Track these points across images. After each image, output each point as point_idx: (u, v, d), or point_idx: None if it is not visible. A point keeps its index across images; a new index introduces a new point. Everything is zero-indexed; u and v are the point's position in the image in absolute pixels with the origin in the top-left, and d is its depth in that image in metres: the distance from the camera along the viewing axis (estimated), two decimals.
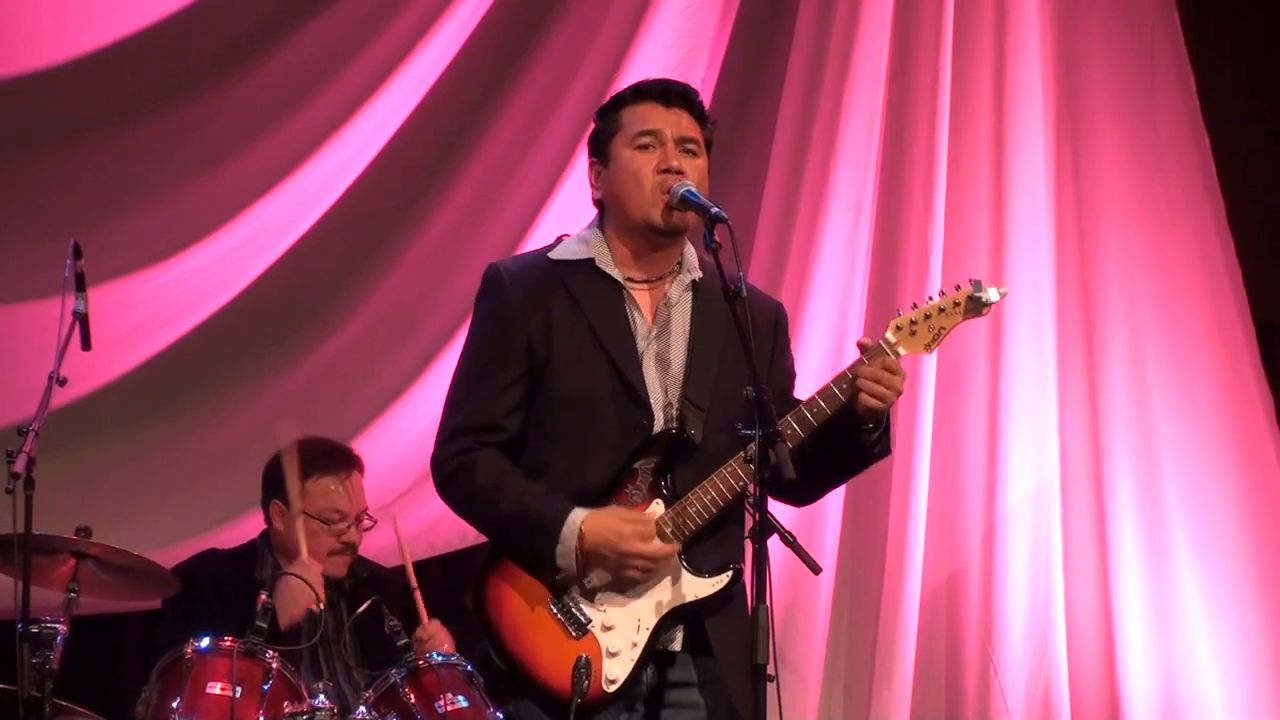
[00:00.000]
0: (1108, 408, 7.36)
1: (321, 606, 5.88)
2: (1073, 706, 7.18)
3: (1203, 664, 7.23)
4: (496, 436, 4.46)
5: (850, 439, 4.46)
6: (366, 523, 6.15)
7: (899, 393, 4.41)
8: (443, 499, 4.56)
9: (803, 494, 4.60)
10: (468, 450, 4.45)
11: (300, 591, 5.81)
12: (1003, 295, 4.57)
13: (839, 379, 4.43)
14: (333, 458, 6.16)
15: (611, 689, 4.36)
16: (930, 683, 7.20)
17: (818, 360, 7.06)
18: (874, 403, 4.38)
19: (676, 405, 4.43)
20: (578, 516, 4.35)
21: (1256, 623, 7.26)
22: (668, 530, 4.38)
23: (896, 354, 4.45)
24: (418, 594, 5.94)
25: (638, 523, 4.36)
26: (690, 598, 4.39)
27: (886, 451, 4.56)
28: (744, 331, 4.23)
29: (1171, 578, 7.28)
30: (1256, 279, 7.52)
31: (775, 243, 7.25)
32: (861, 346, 4.46)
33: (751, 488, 4.33)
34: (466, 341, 4.58)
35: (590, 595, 4.40)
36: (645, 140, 4.45)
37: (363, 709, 5.43)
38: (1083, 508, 7.32)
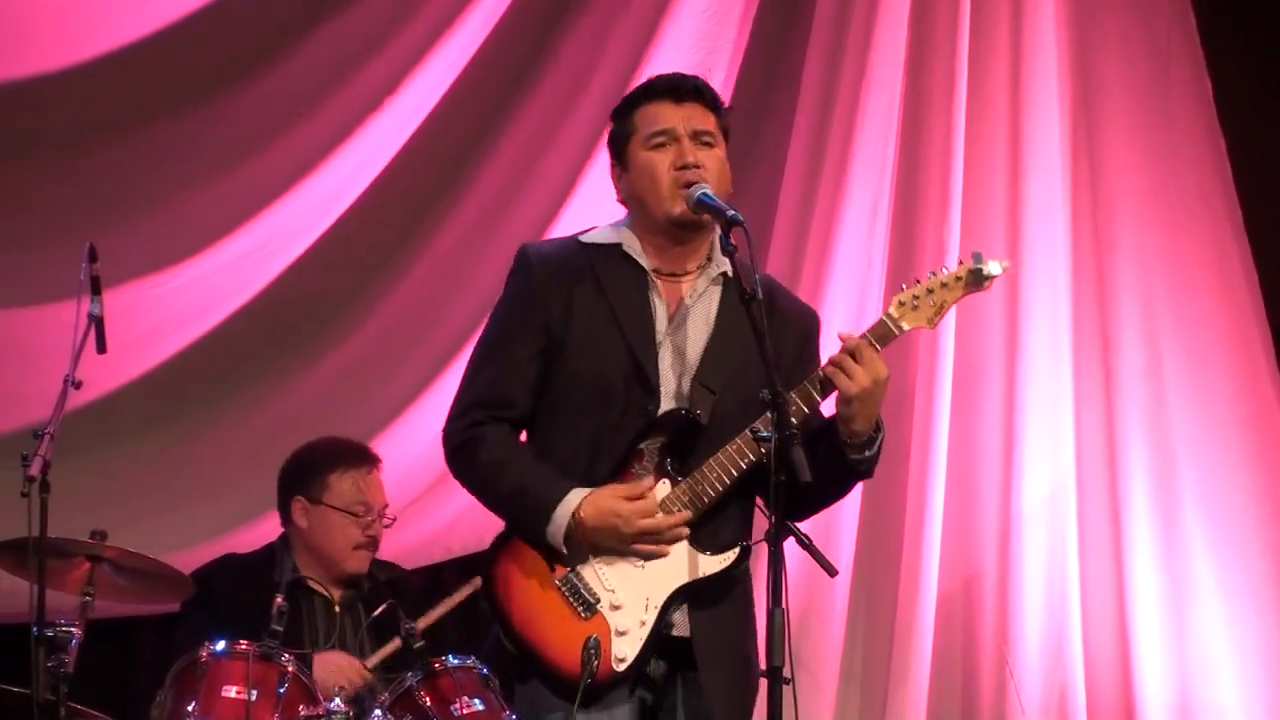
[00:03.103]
0: (1124, 409, 7.37)
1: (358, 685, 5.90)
2: (1089, 709, 7.19)
3: (1219, 667, 7.24)
4: (508, 412, 4.51)
5: (837, 447, 4.46)
6: (387, 519, 6.20)
7: (860, 385, 4.37)
8: (450, 470, 4.61)
9: (801, 511, 4.57)
10: (478, 424, 4.50)
11: (339, 670, 5.84)
12: (1005, 268, 4.56)
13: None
14: (355, 453, 6.25)
15: (621, 667, 4.38)
16: (946, 684, 7.23)
17: None
18: (832, 370, 4.38)
19: (687, 389, 4.46)
20: (574, 498, 4.38)
21: (1275, 625, 7.28)
22: (674, 509, 4.41)
23: (900, 329, 4.47)
24: None
25: (638, 499, 4.39)
26: (698, 575, 4.41)
27: (869, 472, 4.54)
28: (759, 332, 4.24)
29: (1188, 580, 7.29)
30: (1273, 280, 7.54)
31: (791, 245, 7.29)
32: (841, 338, 4.47)
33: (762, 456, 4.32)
34: (490, 317, 4.63)
35: (599, 574, 4.43)
36: (659, 140, 4.49)
37: (378, 712, 5.45)
38: (1099, 510, 7.33)
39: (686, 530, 4.40)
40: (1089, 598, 7.26)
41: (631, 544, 4.40)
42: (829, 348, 4.68)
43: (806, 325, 4.65)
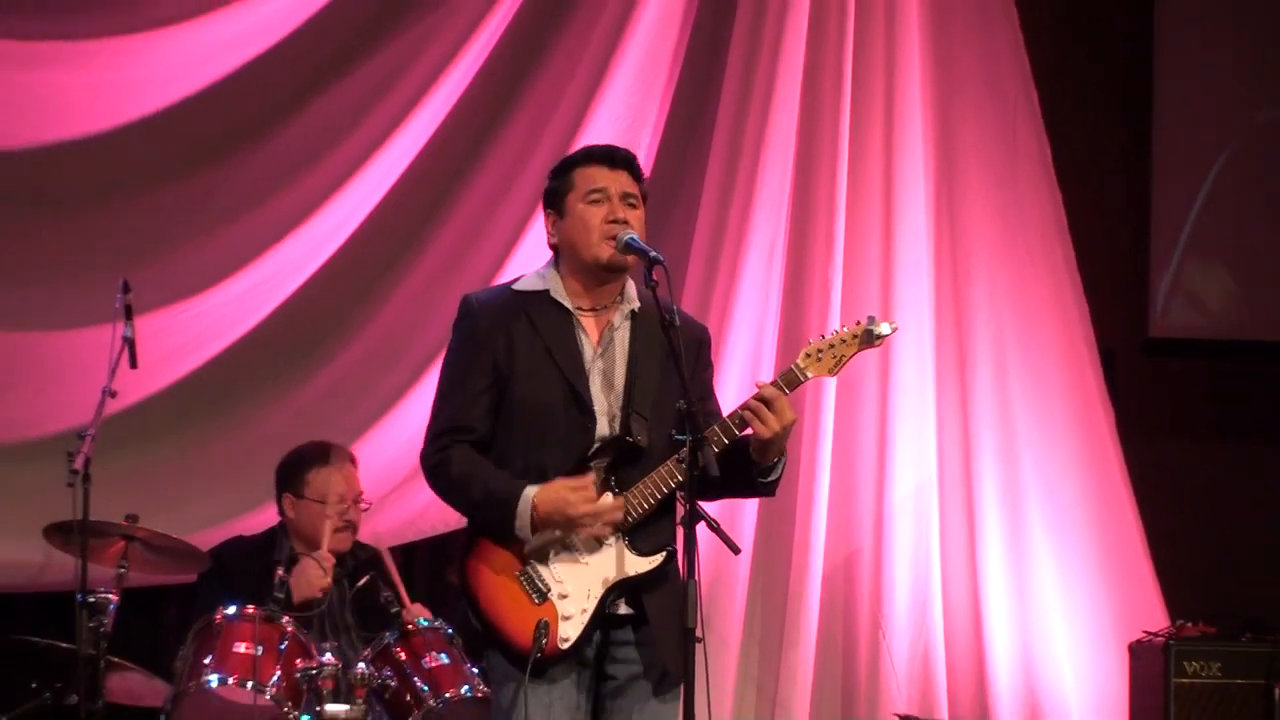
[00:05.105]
0: (977, 418, 7.84)
1: (329, 582, 6.31)
2: (947, 662, 7.68)
3: (1055, 625, 7.72)
4: (470, 435, 4.83)
5: (747, 468, 4.81)
6: (364, 504, 6.52)
7: (772, 430, 4.69)
8: (430, 486, 4.92)
9: (709, 496, 4.86)
10: (446, 447, 4.82)
11: (312, 578, 6.23)
12: (894, 330, 4.85)
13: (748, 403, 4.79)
14: (328, 452, 6.53)
15: (565, 646, 4.73)
16: (830, 642, 7.66)
17: (737, 378, 7.52)
18: (749, 415, 4.75)
19: (621, 415, 4.79)
20: (530, 491, 4.71)
21: (1102, 597, 7.78)
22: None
23: (805, 376, 4.79)
24: (402, 590, 6.39)
25: (581, 488, 4.72)
26: (631, 573, 4.77)
27: (770, 491, 4.88)
28: (676, 354, 4.64)
29: (1029, 559, 7.78)
30: (1101, 312, 8.09)
31: (703, 281, 7.72)
32: (758, 386, 4.77)
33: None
34: (445, 359, 4.93)
35: (551, 568, 4.77)
36: (595, 197, 4.82)
37: (362, 664, 5.95)
38: (956, 501, 7.80)
39: (620, 514, 4.72)
40: (948, 573, 7.75)
41: (576, 524, 4.72)
42: (720, 358, 4.93)
43: (699, 339, 5.00)
